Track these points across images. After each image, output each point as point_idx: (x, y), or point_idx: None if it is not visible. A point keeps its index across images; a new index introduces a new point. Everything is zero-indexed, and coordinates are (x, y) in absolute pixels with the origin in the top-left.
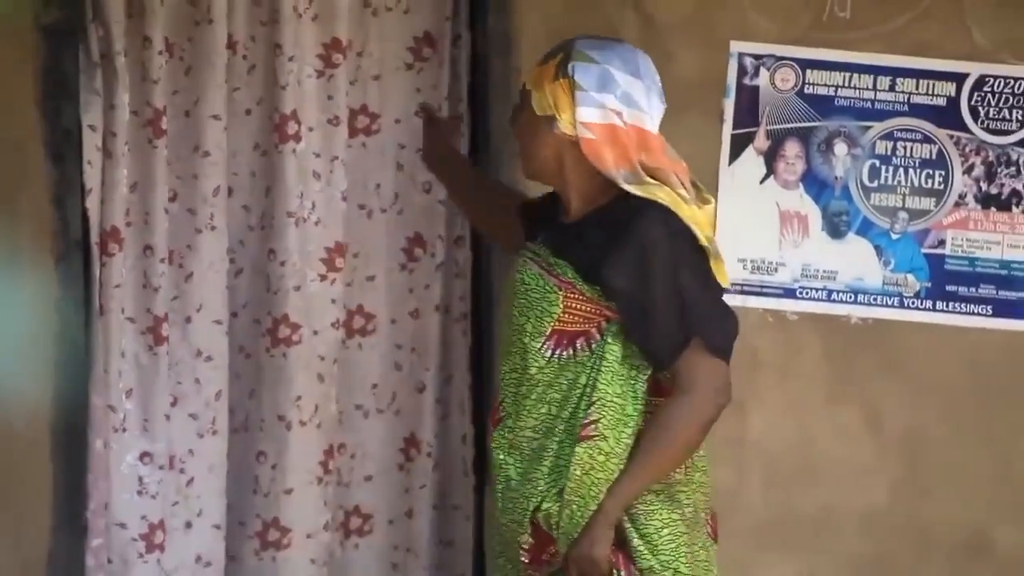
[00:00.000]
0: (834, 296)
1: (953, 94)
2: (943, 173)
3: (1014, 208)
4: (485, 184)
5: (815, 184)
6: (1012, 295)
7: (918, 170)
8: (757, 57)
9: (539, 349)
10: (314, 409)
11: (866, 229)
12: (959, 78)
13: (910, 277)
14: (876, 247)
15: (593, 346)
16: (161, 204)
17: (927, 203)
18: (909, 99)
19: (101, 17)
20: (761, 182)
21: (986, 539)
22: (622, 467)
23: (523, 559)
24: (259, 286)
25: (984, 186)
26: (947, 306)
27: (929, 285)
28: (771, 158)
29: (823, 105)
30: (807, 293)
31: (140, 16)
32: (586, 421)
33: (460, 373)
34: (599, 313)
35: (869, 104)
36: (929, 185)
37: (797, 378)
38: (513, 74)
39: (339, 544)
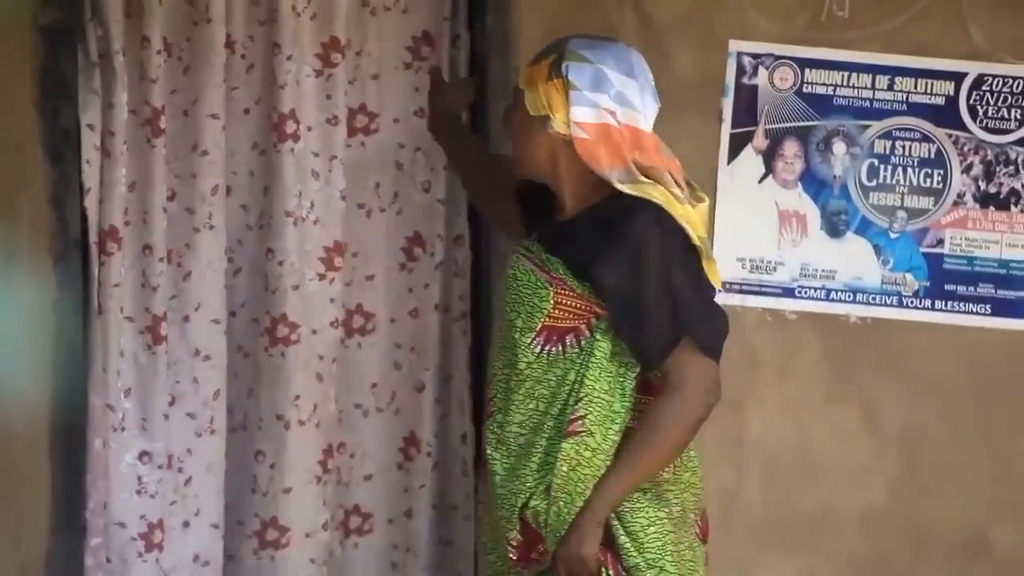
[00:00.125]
0: (833, 295)
1: (952, 93)
2: (942, 172)
3: (1013, 207)
4: (488, 159)
5: (814, 183)
6: (1011, 294)
7: (917, 169)
8: (756, 56)
9: (529, 344)
10: (313, 408)
11: (865, 228)
12: (957, 77)
13: (909, 276)
14: (875, 246)
15: (583, 343)
16: (159, 203)
17: (926, 202)
18: (907, 98)
19: (99, 17)
20: (760, 181)
21: (985, 538)
22: (608, 464)
23: (511, 556)
24: (257, 285)
25: (983, 185)
26: (946, 305)
27: (928, 284)
28: (770, 157)
29: (822, 104)
30: (806, 292)
31: (138, 16)
32: (573, 417)
33: (460, 372)
34: (589, 310)
35: (868, 103)
36: (928, 184)
37: (796, 377)
38: (512, 74)
39: (338, 543)
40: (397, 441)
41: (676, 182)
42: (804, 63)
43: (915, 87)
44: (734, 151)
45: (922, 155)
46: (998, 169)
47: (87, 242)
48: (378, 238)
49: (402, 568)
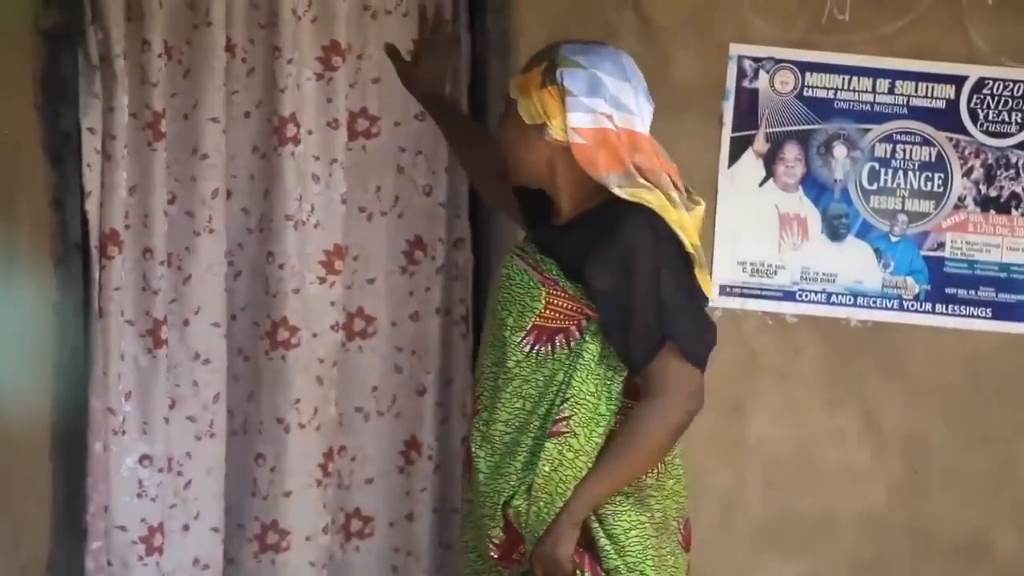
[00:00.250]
0: (833, 299)
1: (952, 97)
2: (942, 176)
3: (1013, 211)
4: (485, 140)
5: (814, 187)
6: (1011, 298)
7: (917, 173)
8: (756, 60)
9: (518, 343)
10: (313, 412)
11: (865, 232)
12: (958, 81)
13: (909, 280)
14: (875, 250)
15: (572, 344)
16: (160, 207)
17: (926, 206)
18: (908, 102)
19: (100, 20)
20: (760, 185)
21: (985, 541)
22: (591, 466)
23: (492, 554)
24: (258, 289)
25: (983, 189)
26: (946, 309)
27: (928, 288)
28: (770, 161)
29: (822, 108)
30: (806, 296)
31: (139, 19)
32: (558, 417)
33: (460, 376)
34: (580, 312)
35: (868, 107)
36: (928, 188)
37: (796, 381)
38: (512, 75)
39: (339, 547)
40: (398, 444)
41: (675, 185)
42: (805, 67)
43: (916, 91)
44: (735, 155)
45: (923, 159)
46: (999, 173)
47: (88, 245)
48: (379, 241)
49: (403, 571)
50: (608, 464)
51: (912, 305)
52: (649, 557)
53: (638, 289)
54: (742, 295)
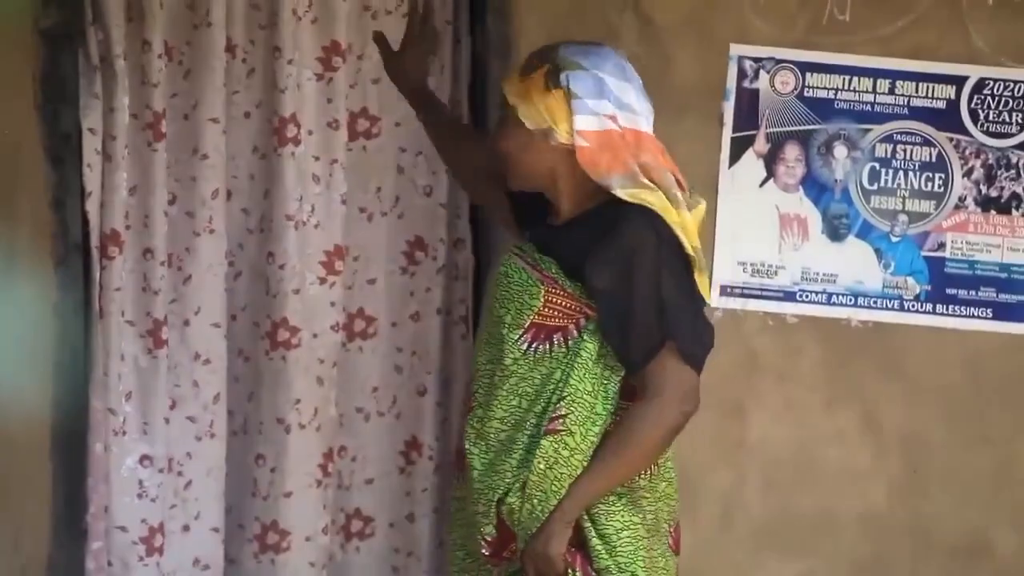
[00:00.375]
0: (834, 299)
1: (953, 97)
2: (943, 176)
3: (1014, 211)
4: (470, 136)
5: (815, 187)
6: (1012, 298)
7: (918, 173)
8: (757, 60)
9: (516, 341)
10: (313, 412)
11: (866, 232)
12: (959, 81)
13: (910, 280)
14: (876, 250)
15: (570, 342)
16: (160, 207)
17: (927, 206)
18: (909, 102)
19: (100, 21)
20: (761, 185)
21: (985, 541)
22: (586, 465)
23: (484, 551)
24: (258, 289)
25: (984, 189)
26: (947, 309)
27: (929, 288)
28: (771, 161)
29: (823, 108)
30: (807, 296)
31: (139, 20)
32: (554, 415)
33: (461, 376)
34: (579, 310)
35: (869, 107)
36: (929, 188)
37: (797, 381)
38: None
39: (339, 547)
40: (398, 445)
41: (679, 183)
42: (805, 67)
43: (916, 91)
44: (735, 155)
45: (923, 159)
46: (999, 173)
47: (88, 246)
48: (379, 242)
49: (403, 572)
50: (603, 463)
51: (912, 305)
52: (640, 558)
53: (639, 289)
54: (742, 295)
